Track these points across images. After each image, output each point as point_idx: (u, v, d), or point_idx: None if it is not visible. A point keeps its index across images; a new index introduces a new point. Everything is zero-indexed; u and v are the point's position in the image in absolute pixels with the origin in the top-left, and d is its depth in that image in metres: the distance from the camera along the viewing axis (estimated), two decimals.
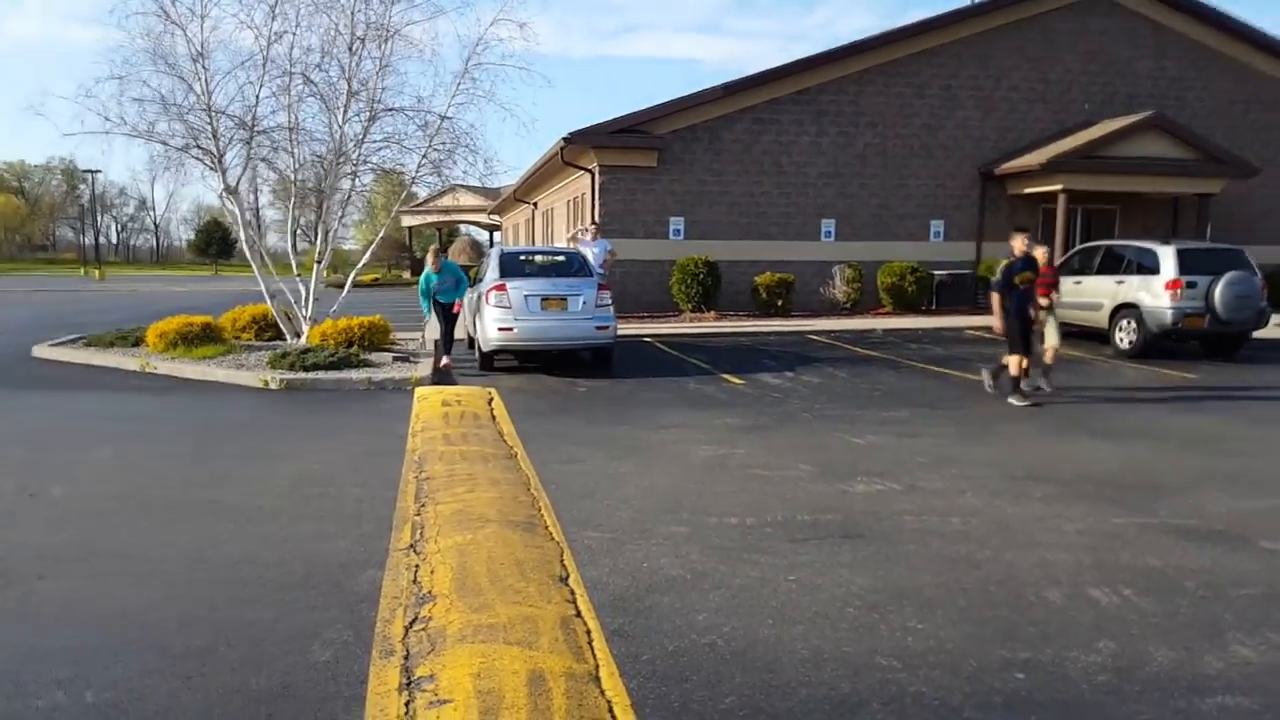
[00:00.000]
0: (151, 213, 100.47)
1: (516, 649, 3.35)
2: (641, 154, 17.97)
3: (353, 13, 11.06)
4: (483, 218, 49.14)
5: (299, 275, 12.31)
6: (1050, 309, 9.66)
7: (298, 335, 11.87)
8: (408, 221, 50.58)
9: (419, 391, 9.67)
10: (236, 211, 11.31)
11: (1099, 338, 13.54)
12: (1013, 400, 9.00)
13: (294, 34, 10.99)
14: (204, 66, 10.64)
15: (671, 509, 5.28)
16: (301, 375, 9.98)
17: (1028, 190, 18.93)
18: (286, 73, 10.81)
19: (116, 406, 9.20)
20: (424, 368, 10.95)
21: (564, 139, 17.75)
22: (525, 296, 10.76)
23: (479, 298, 11.28)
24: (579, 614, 3.73)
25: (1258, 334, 12.85)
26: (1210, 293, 12.00)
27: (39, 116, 11.61)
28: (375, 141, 11.73)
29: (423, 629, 3.61)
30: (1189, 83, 19.97)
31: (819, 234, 18.99)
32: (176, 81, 10.70)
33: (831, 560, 4.44)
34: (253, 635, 3.58)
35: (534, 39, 11.66)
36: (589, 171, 18.44)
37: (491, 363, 11.27)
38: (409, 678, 3.20)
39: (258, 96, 10.81)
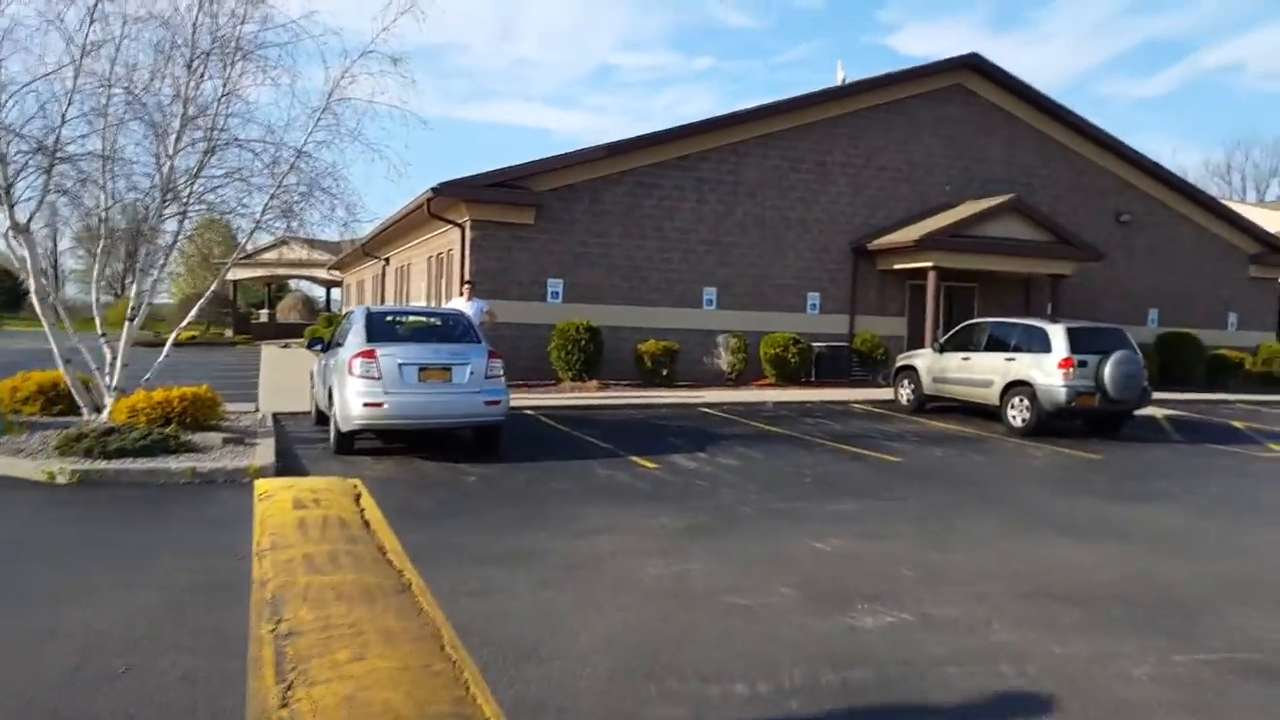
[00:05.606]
0: None
1: None
2: (518, 210, 16.69)
3: (194, 25, 9.19)
4: (320, 273, 45.83)
5: (103, 334, 9.94)
6: None
7: (98, 410, 9.54)
8: (233, 275, 46.33)
9: (260, 486, 7.62)
10: (27, 255, 8.92)
11: (985, 414, 13.44)
12: None
13: (117, 44, 8.97)
14: None
15: (652, 673, 3.90)
16: (101, 465, 7.71)
17: (898, 266, 19.17)
18: (104, 87, 8.69)
19: None
20: (264, 450, 8.95)
21: (433, 189, 16.21)
22: (400, 365, 9.08)
23: (339, 365, 9.49)
24: None
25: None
26: (1100, 372, 12.11)
27: None
28: (213, 176, 9.73)
29: None
30: (1036, 170, 21.18)
31: (701, 302, 18.30)
32: None
33: None
34: None
35: (409, 74, 9.86)
36: (459, 226, 16.93)
37: (351, 445, 9.39)
38: None
39: (63, 116, 8.62)
